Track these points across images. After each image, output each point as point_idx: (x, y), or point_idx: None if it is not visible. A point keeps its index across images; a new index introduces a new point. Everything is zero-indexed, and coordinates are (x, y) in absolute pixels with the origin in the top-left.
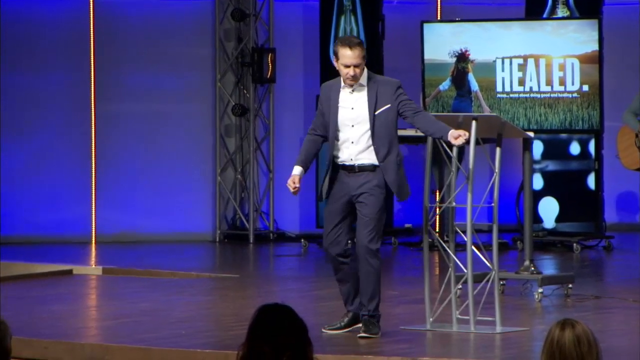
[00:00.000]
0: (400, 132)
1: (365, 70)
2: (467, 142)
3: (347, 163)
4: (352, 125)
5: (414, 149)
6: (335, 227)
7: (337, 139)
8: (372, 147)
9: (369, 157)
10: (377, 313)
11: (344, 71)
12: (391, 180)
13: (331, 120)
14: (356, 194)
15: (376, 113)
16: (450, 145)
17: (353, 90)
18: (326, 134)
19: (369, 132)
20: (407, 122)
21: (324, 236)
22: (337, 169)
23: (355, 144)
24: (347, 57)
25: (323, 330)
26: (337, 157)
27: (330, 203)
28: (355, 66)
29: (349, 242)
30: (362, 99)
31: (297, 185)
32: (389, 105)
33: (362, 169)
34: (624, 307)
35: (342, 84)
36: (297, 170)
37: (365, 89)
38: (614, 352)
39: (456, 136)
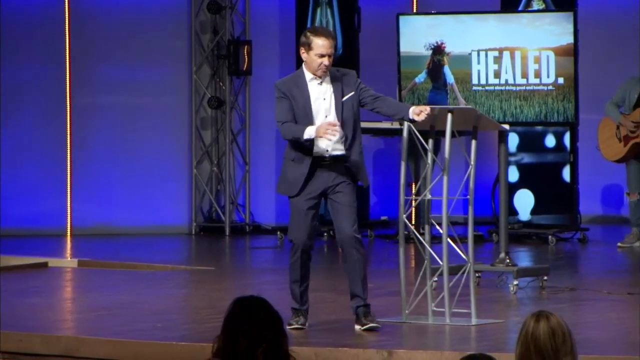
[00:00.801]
0: (376, 125)
1: None
2: (429, 115)
3: (323, 154)
4: (326, 116)
5: (389, 142)
6: (312, 221)
7: None
8: (343, 136)
9: (341, 148)
10: (369, 302)
11: (317, 61)
12: (356, 168)
13: (304, 113)
14: (333, 184)
15: (343, 100)
16: (427, 137)
17: (322, 82)
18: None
19: (339, 120)
20: (366, 109)
21: (298, 230)
22: (313, 162)
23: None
24: (321, 47)
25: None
26: (310, 149)
27: (304, 198)
28: (329, 56)
29: None
30: (330, 89)
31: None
32: (352, 93)
33: (337, 159)
34: (598, 299)
35: (310, 76)
36: (312, 127)
37: (330, 78)
38: (589, 344)
39: (418, 112)
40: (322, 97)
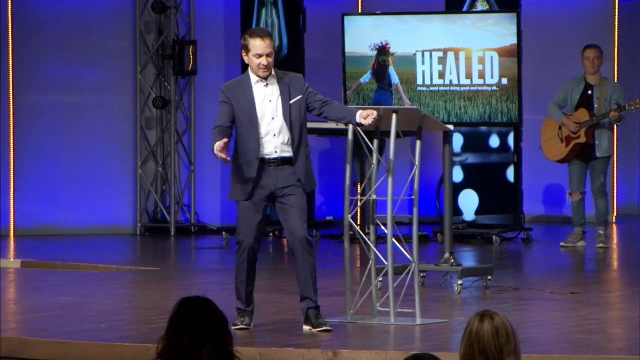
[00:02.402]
0: (322, 125)
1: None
2: (375, 120)
3: (271, 156)
4: (273, 118)
5: (335, 142)
6: (260, 222)
7: (260, 134)
8: (289, 138)
9: (289, 149)
10: (319, 304)
11: (256, 62)
12: (300, 170)
13: (248, 116)
14: (281, 186)
15: (291, 102)
16: (372, 137)
17: (267, 84)
18: (232, 128)
19: (286, 123)
20: (314, 114)
21: (246, 231)
22: (260, 164)
23: (277, 136)
24: (258, 47)
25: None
26: (258, 152)
27: (255, 198)
28: (267, 55)
29: None
30: (276, 91)
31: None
32: (300, 96)
33: (285, 161)
34: (542, 298)
35: (255, 78)
36: (217, 144)
37: (276, 80)
38: (532, 343)
39: (365, 116)
40: (268, 99)
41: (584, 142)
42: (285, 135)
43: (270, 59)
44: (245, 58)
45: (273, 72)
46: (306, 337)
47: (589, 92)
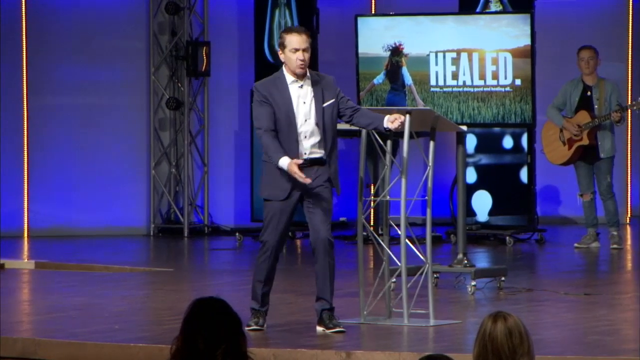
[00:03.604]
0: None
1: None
2: (403, 123)
3: (302, 158)
4: (306, 120)
5: (349, 143)
6: (285, 225)
7: (297, 134)
8: (321, 141)
9: (319, 151)
10: (334, 306)
11: (293, 57)
12: (333, 175)
13: (286, 118)
14: (311, 187)
15: (324, 105)
16: (385, 138)
17: (302, 85)
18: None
19: (318, 126)
20: (343, 120)
21: (272, 231)
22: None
23: (307, 138)
24: (295, 42)
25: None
26: (296, 152)
27: (285, 201)
28: (304, 50)
29: None
30: (311, 93)
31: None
32: (333, 100)
33: (314, 162)
34: (555, 299)
35: (290, 78)
36: (285, 159)
37: (310, 82)
38: (546, 344)
39: (392, 120)
40: (302, 101)
41: (587, 144)
42: (316, 138)
43: (307, 55)
44: (282, 56)
45: (307, 74)
46: (320, 338)
47: (588, 93)
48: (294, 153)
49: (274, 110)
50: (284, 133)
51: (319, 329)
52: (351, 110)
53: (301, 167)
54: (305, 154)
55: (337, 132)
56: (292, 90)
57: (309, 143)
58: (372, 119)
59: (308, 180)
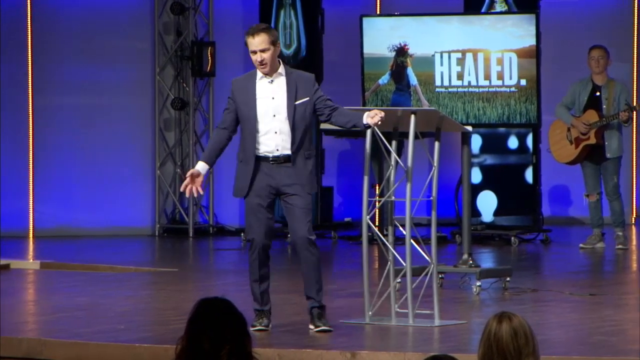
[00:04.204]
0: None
1: (282, 63)
2: (382, 119)
3: (272, 154)
4: (274, 115)
5: (354, 143)
6: (266, 219)
7: (258, 131)
8: (290, 138)
9: (288, 148)
10: (324, 304)
11: (253, 58)
12: (306, 174)
13: (249, 112)
14: (285, 184)
15: (296, 103)
16: (390, 138)
17: (272, 81)
18: (236, 128)
19: (289, 122)
20: (322, 119)
21: (253, 229)
22: (259, 162)
23: (278, 134)
24: (251, 44)
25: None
26: (259, 149)
27: (256, 196)
28: (262, 51)
29: None
30: (282, 88)
31: (195, 183)
32: (307, 99)
33: (287, 159)
34: (560, 300)
35: (260, 74)
36: (200, 165)
37: (284, 78)
38: (551, 345)
39: (372, 116)
40: (270, 96)
41: (594, 144)
42: (287, 135)
43: (266, 55)
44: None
45: (281, 70)
46: (325, 339)
47: (597, 93)
48: (253, 150)
49: (235, 108)
50: (246, 129)
51: (311, 327)
52: (329, 109)
53: (272, 163)
54: (277, 150)
55: (310, 131)
56: (260, 86)
57: (279, 139)
58: (351, 117)
59: (198, 192)
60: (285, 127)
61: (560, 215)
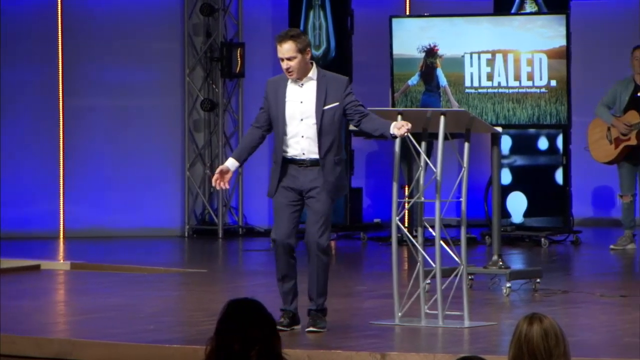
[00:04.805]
0: None
1: (315, 65)
2: (409, 131)
3: (298, 157)
4: (302, 119)
5: (382, 144)
6: (289, 219)
7: (286, 134)
8: (318, 142)
9: (316, 152)
10: (325, 307)
11: (281, 65)
12: (328, 176)
13: (279, 114)
14: (307, 188)
15: (325, 108)
16: (420, 139)
17: (302, 84)
18: (270, 128)
19: (316, 127)
20: (352, 124)
21: (277, 227)
22: (286, 164)
23: (305, 138)
24: (279, 51)
25: None
26: (286, 152)
27: (282, 196)
28: (289, 59)
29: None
30: (311, 93)
31: (223, 179)
32: (337, 104)
33: (314, 163)
34: (591, 301)
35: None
36: (229, 162)
37: (315, 83)
38: (582, 346)
39: (399, 127)
40: (299, 100)
41: (634, 145)
42: (314, 138)
43: (292, 63)
44: None
45: (312, 73)
46: (354, 340)
47: (639, 93)
48: (280, 152)
49: (268, 108)
50: (277, 131)
51: (307, 328)
52: (359, 115)
53: (300, 166)
54: (304, 154)
55: (340, 135)
56: (290, 89)
57: (306, 143)
58: (379, 125)
59: (225, 186)
60: (312, 131)
61: (590, 216)
